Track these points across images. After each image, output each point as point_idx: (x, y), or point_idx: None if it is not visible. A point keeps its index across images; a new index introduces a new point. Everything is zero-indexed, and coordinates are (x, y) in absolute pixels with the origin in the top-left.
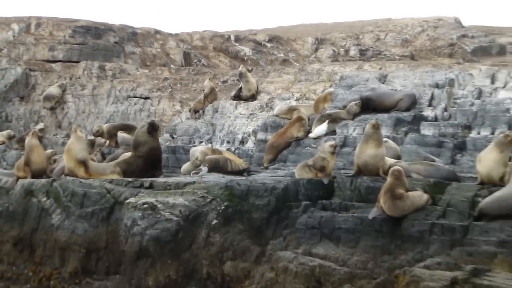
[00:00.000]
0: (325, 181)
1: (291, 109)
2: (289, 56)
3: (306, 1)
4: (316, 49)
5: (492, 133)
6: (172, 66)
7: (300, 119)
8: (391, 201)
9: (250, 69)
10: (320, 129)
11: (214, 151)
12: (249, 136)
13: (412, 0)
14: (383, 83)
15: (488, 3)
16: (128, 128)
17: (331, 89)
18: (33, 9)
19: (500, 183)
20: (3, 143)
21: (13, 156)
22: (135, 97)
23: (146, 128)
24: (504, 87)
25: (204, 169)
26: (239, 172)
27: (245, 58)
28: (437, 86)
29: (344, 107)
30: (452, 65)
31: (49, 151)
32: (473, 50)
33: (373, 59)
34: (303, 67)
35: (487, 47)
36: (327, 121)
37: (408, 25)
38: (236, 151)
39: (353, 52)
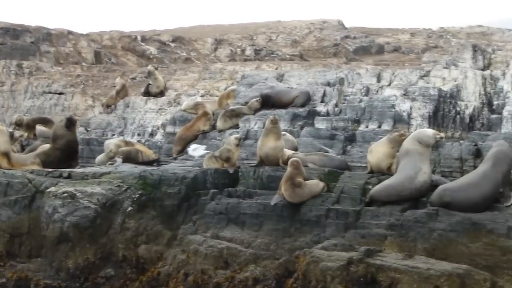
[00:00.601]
0: (231, 170)
1: (197, 105)
2: (191, 55)
3: (204, 3)
4: (216, 49)
5: (379, 127)
6: (84, 64)
7: (205, 114)
8: (291, 189)
9: (157, 67)
10: (198, 149)
11: (127, 143)
12: (158, 129)
13: (299, 3)
14: (281, 81)
15: (367, 6)
16: (45, 121)
17: (234, 87)
18: None
19: (387, 172)
20: None
21: None
22: (50, 92)
23: (64, 123)
24: (389, 85)
25: (119, 160)
26: (150, 163)
27: (151, 56)
28: (328, 84)
29: (246, 103)
30: (340, 65)
31: None
32: (355, 50)
33: (267, 58)
34: (207, 66)
35: (367, 47)
36: (205, 146)
37: (296, 27)
38: (146, 143)
39: (248, 52)
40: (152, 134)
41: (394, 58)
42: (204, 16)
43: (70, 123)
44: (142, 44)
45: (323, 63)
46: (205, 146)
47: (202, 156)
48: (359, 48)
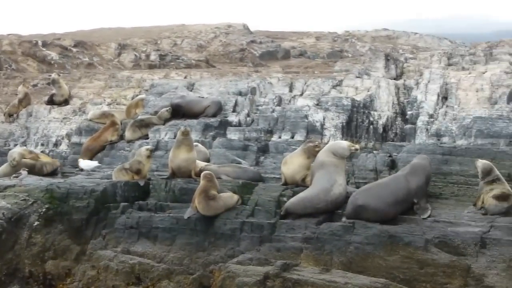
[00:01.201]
0: (141, 183)
1: (105, 114)
2: (94, 61)
3: (104, 5)
4: (119, 54)
5: (292, 137)
6: None
7: (113, 124)
8: (205, 202)
9: (59, 74)
10: (90, 164)
11: (31, 152)
12: (62, 139)
13: (202, 7)
14: (191, 91)
15: (271, 9)
16: None
17: (142, 96)
18: None
19: (302, 184)
20: None
21: None
22: None
23: None
24: (301, 95)
25: (24, 173)
26: (53, 172)
27: (52, 62)
28: (240, 93)
29: (156, 112)
30: (251, 73)
31: None
32: (261, 55)
33: (172, 63)
34: (113, 74)
35: (273, 52)
36: (97, 162)
37: (202, 31)
38: (51, 154)
39: (153, 57)
40: (56, 144)
41: (301, 63)
42: (105, 19)
43: None
44: (43, 49)
45: (233, 71)
46: (96, 162)
47: (93, 170)
48: (265, 53)
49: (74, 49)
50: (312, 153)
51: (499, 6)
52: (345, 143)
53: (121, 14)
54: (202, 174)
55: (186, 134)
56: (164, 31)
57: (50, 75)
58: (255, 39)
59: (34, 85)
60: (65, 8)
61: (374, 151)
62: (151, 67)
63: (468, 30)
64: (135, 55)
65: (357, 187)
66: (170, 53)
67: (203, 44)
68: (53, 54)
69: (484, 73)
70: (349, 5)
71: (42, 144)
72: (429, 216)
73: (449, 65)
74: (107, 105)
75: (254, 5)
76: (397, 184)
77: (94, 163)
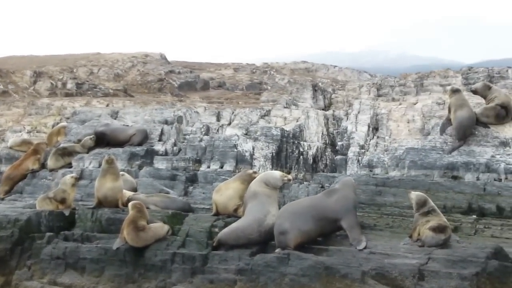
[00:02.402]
0: (66, 212)
1: (25, 142)
2: (9, 88)
3: (16, 32)
4: (35, 82)
5: (221, 167)
6: None
7: (36, 151)
8: (134, 233)
9: None
10: None
11: None
12: None
13: (118, 35)
14: (115, 119)
15: (187, 40)
16: None
17: (64, 123)
18: None
19: (234, 214)
20: None
21: None
22: None
23: None
24: (229, 124)
25: None
26: None
27: None
28: (166, 122)
29: (79, 141)
30: (175, 103)
31: None
32: (180, 85)
33: (89, 92)
34: (33, 101)
35: (192, 82)
36: None
37: (118, 60)
38: None
39: (70, 85)
40: None
41: (221, 95)
42: (16, 46)
43: None
44: None
45: (156, 100)
46: None
47: None
48: (184, 84)
49: None
50: (248, 180)
51: (415, 42)
52: (277, 173)
53: (33, 42)
54: (130, 204)
55: (110, 162)
56: (80, 59)
57: None
58: (173, 69)
59: None
60: None
61: (305, 182)
62: (68, 95)
63: (384, 64)
64: (51, 83)
65: None
66: (87, 81)
67: (120, 73)
68: None
69: (415, 104)
70: (266, 37)
71: None
72: (365, 248)
73: (379, 95)
74: (27, 132)
75: (170, 35)
76: (313, 200)
77: None
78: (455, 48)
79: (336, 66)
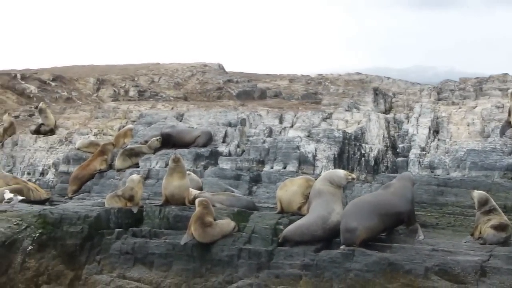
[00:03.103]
0: (134, 210)
1: (93, 144)
2: (73, 95)
3: (76, 43)
4: (98, 89)
5: (284, 168)
6: None
7: (103, 152)
8: (201, 229)
9: (47, 103)
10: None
11: (16, 179)
12: (49, 168)
13: (176, 46)
14: (181, 121)
15: (244, 52)
16: None
17: (131, 126)
18: None
19: (297, 212)
20: None
21: None
22: None
23: None
24: (291, 126)
25: (16, 198)
26: (41, 202)
27: (31, 95)
28: (230, 124)
29: (146, 142)
30: (238, 106)
31: None
32: (238, 94)
33: (151, 99)
34: (99, 105)
35: (250, 91)
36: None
37: (178, 69)
38: (37, 182)
39: (132, 92)
40: (43, 173)
41: (278, 104)
42: (78, 56)
43: None
44: (22, 82)
45: (220, 104)
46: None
47: (8, 201)
48: (242, 93)
49: (53, 83)
50: (312, 178)
51: (463, 59)
52: (342, 172)
53: (94, 52)
54: (197, 201)
55: (177, 161)
56: (140, 68)
57: (31, 107)
58: (231, 78)
59: (16, 117)
60: (37, 44)
61: (367, 183)
62: (131, 101)
63: (432, 79)
64: (114, 90)
65: None
66: (149, 89)
67: (180, 82)
68: (32, 88)
69: (474, 107)
70: (321, 50)
71: (29, 173)
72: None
73: (439, 99)
74: (94, 135)
75: (227, 47)
76: (379, 196)
77: (13, 197)
78: (499, 65)
79: (389, 77)
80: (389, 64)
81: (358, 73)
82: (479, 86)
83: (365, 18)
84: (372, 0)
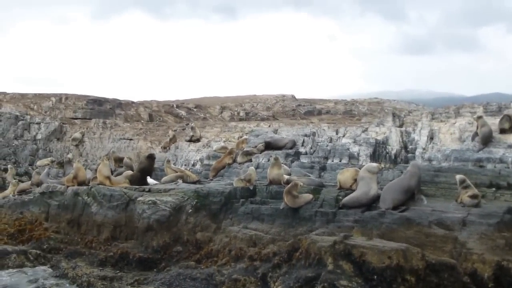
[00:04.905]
0: (251, 187)
1: (223, 147)
2: (206, 116)
3: (205, 82)
4: (221, 112)
5: (340, 161)
6: (142, 121)
7: (230, 153)
8: (292, 199)
9: (193, 125)
10: (153, 181)
11: (179, 169)
12: (197, 162)
13: (264, 81)
14: (276, 133)
15: (303, 83)
16: (121, 159)
17: (246, 137)
18: (65, 86)
19: (350, 188)
20: (48, 165)
21: (54, 173)
22: (124, 139)
23: (146, 156)
24: (344, 136)
25: (179, 181)
26: (194, 183)
27: (182, 117)
28: (306, 135)
29: (255, 147)
30: (309, 124)
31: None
32: (305, 112)
33: (253, 117)
34: (225, 124)
35: (312, 111)
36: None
37: (268, 99)
38: (190, 170)
39: (242, 114)
40: (193, 165)
41: (329, 117)
42: (206, 90)
43: (151, 158)
44: (176, 109)
45: (297, 122)
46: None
47: (155, 184)
48: (307, 112)
49: (195, 109)
50: (357, 169)
51: (437, 82)
52: (374, 164)
53: (217, 86)
54: (291, 183)
55: (276, 159)
56: (245, 98)
57: (187, 124)
58: (300, 103)
59: (174, 130)
60: (181, 81)
61: (390, 169)
62: (241, 120)
63: (418, 97)
64: (231, 113)
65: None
66: (251, 111)
67: (270, 107)
68: (182, 112)
69: (455, 123)
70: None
71: (185, 165)
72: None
73: (433, 118)
74: (223, 142)
75: (295, 80)
76: (399, 181)
77: (155, 182)
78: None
79: (395, 100)
80: (387, 89)
81: (376, 98)
82: (457, 110)
83: (371, 60)
84: (376, 48)
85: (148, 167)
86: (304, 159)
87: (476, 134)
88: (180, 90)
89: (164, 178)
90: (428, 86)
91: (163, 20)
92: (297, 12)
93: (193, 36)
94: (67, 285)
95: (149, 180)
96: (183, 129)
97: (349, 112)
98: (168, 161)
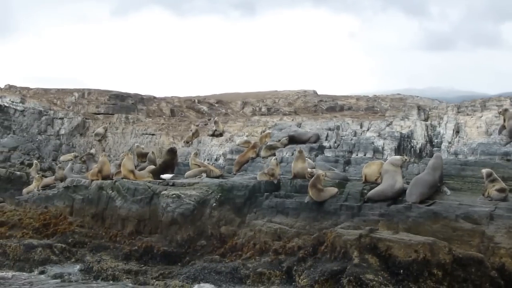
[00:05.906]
0: (275, 181)
1: (247, 141)
2: (228, 112)
3: (229, 77)
4: (243, 108)
5: (364, 155)
6: (164, 116)
7: (254, 147)
8: (316, 192)
9: (216, 119)
10: (167, 175)
11: (203, 163)
12: (220, 156)
13: (286, 77)
14: (299, 127)
15: (325, 79)
16: (145, 155)
17: (269, 131)
18: (86, 84)
19: (375, 182)
20: (71, 160)
21: (78, 168)
22: (146, 134)
23: (168, 150)
24: (368, 129)
25: (203, 175)
26: (217, 177)
27: (204, 112)
28: (329, 129)
29: (279, 140)
30: (332, 118)
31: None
32: (327, 108)
33: (274, 113)
34: (249, 118)
35: (334, 107)
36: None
37: (289, 94)
38: (213, 165)
39: (263, 109)
40: (216, 160)
41: (351, 114)
42: (227, 86)
43: (172, 151)
44: (198, 104)
45: (321, 116)
46: (171, 175)
47: (170, 179)
48: (328, 108)
49: (216, 105)
50: (382, 163)
51: (460, 80)
52: (399, 157)
53: (238, 82)
54: (314, 176)
55: (300, 152)
56: (266, 94)
57: (209, 118)
58: (322, 99)
59: (196, 125)
60: (203, 77)
61: (415, 164)
62: (263, 115)
63: (440, 95)
64: (253, 108)
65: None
66: (273, 107)
67: (291, 102)
68: (204, 108)
69: (481, 117)
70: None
71: (208, 159)
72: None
73: (459, 112)
74: (246, 136)
75: (317, 76)
76: (427, 176)
77: (170, 175)
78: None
79: (418, 96)
80: (411, 86)
81: (398, 94)
82: (483, 104)
83: (392, 57)
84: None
85: (169, 161)
86: (328, 153)
87: (503, 127)
88: (201, 86)
89: (188, 173)
90: (451, 83)
91: (181, 16)
92: (316, 8)
93: (212, 32)
94: (92, 279)
95: (164, 176)
96: (205, 124)
97: (371, 108)
98: (196, 154)
